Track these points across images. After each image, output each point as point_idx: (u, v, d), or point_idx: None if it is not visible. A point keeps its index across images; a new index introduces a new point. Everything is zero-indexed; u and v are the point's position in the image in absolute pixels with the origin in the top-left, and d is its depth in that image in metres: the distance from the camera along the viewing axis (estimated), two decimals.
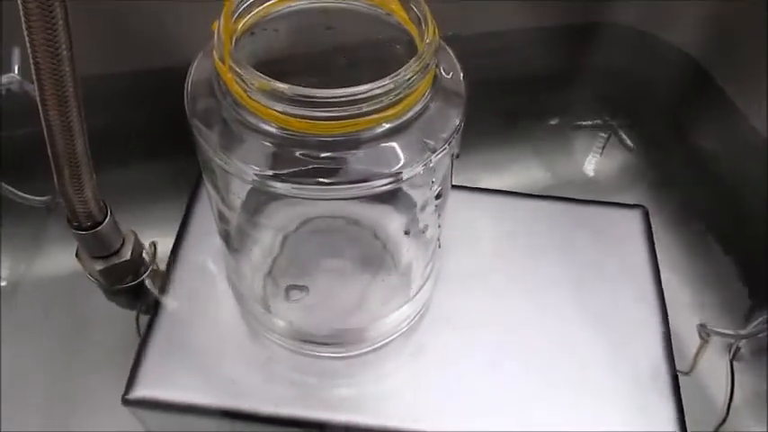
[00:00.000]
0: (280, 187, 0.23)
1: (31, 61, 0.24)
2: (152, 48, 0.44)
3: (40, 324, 0.38)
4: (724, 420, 0.37)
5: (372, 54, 0.28)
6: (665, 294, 0.37)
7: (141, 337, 0.34)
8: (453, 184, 0.30)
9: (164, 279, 0.36)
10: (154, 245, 0.38)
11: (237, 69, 0.22)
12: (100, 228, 0.32)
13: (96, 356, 0.37)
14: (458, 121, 0.25)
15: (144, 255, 0.37)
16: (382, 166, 0.23)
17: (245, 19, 0.25)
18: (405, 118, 0.23)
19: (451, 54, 0.27)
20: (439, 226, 0.32)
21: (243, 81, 0.22)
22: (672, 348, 0.35)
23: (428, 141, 0.24)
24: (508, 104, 0.51)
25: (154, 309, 0.35)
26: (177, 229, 0.38)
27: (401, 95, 0.22)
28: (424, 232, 0.31)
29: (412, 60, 0.22)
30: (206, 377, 0.32)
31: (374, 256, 0.34)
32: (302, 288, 0.33)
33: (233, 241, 0.32)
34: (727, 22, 0.47)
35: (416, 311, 0.34)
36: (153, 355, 0.33)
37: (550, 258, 0.38)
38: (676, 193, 0.47)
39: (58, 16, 0.23)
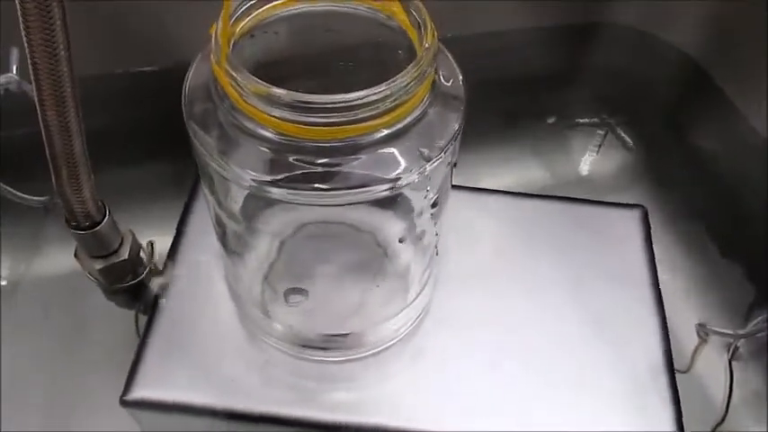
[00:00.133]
0: (276, 193, 0.23)
1: (29, 61, 0.24)
2: (151, 48, 0.44)
3: (39, 324, 0.38)
4: (722, 420, 0.37)
5: (373, 57, 0.28)
6: (664, 294, 0.37)
7: (140, 337, 0.34)
8: (453, 184, 0.30)
9: (162, 278, 0.36)
10: (151, 244, 0.38)
11: (234, 73, 0.22)
12: (98, 227, 0.32)
13: (95, 356, 0.37)
14: (456, 127, 0.25)
15: (141, 254, 0.37)
16: (379, 171, 0.23)
17: (245, 21, 0.25)
18: (402, 124, 0.23)
19: (451, 59, 0.27)
20: (437, 234, 0.32)
21: (239, 85, 0.22)
22: (670, 348, 0.35)
23: (422, 150, 0.24)
24: (508, 104, 0.51)
25: (152, 309, 0.35)
26: (175, 228, 0.38)
27: (398, 102, 0.22)
28: (421, 239, 0.31)
29: (410, 66, 0.22)
30: (205, 378, 0.32)
31: (372, 262, 0.34)
32: (301, 291, 0.33)
33: (230, 245, 0.32)
34: (726, 22, 0.47)
35: (415, 316, 0.34)
36: (151, 356, 0.33)
37: (550, 258, 0.38)
38: (675, 193, 0.47)
39: (55, 16, 0.23)
